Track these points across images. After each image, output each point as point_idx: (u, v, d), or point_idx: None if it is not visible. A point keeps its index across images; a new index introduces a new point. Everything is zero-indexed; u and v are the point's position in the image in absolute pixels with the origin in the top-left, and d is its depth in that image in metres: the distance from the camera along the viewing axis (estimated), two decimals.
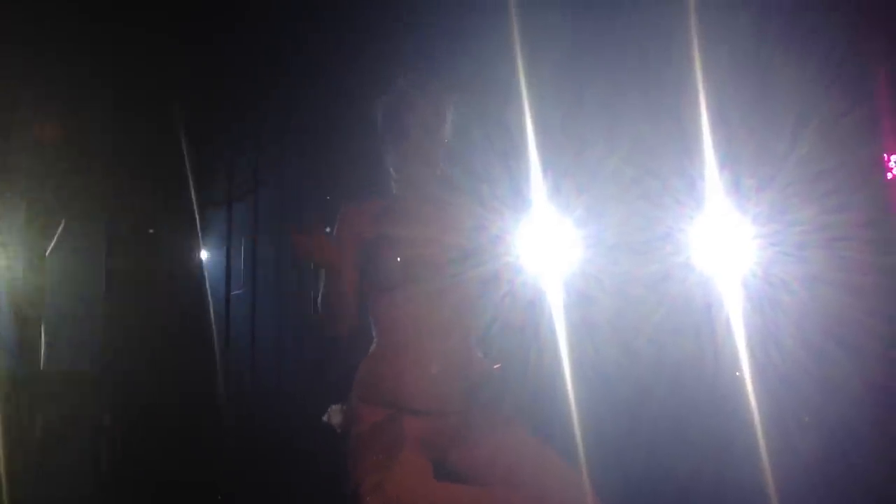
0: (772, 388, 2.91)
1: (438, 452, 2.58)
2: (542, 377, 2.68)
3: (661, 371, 3.23)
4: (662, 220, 2.98)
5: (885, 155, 3.16)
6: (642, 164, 3.03)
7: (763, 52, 2.97)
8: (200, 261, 4.05)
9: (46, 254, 3.50)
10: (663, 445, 3.23)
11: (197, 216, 3.99)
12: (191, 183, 3.98)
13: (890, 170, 3.17)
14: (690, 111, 2.90)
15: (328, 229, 2.64)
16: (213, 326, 4.03)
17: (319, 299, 2.72)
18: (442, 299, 2.61)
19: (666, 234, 2.99)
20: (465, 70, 3.06)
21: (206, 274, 4.05)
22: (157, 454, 3.67)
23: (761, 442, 2.87)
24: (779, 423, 2.91)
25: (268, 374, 4.15)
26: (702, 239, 2.98)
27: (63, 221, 3.53)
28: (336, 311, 2.68)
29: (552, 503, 2.46)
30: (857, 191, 2.91)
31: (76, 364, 3.70)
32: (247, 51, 3.89)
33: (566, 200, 2.88)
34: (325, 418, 2.66)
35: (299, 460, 3.69)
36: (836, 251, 2.87)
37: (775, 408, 2.90)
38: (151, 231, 3.85)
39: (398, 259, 2.60)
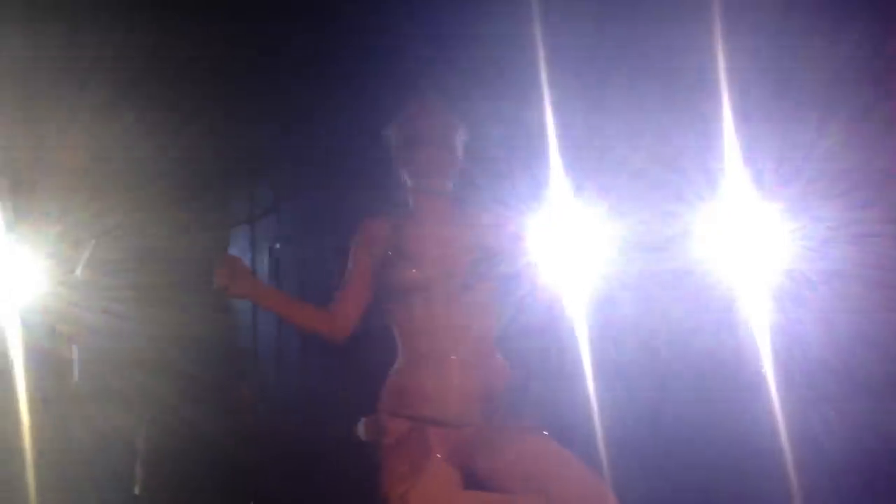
0: (796, 387, 2.86)
1: (465, 462, 2.59)
2: (564, 379, 2.67)
3: (684, 371, 3.19)
4: (684, 217, 2.95)
5: None
6: (664, 161, 3.00)
7: (787, 46, 2.93)
8: None
9: (78, 271, 3.53)
10: (685, 447, 3.18)
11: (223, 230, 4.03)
12: (216, 198, 4.02)
13: None
14: (713, 107, 2.87)
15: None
16: (241, 339, 4.07)
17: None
18: (461, 308, 2.62)
19: (688, 231, 2.96)
20: (486, 70, 3.07)
21: None
22: (188, 469, 3.68)
23: (785, 442, 2.82)
24: (803, 422, 2.85)
25: (295, 386, 4.16)
26: (724, 236, 2.95)
27: (94, 240, 3.56)
28: (340, 309, 2.73)
29: None
30: (882, 187, 2.85)
31: (109, 380, 3.72)
32: (268, 71, 3.93)
33: (587, 199, 2.87)
34: (354, 430, 2.69)
35: (328, 471, 3.69)
36: (861, 247, 2.81)
37: (799, 407, 2.85)
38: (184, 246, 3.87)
39: (413, 267, 2.62)
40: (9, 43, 3.27)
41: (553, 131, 2.81)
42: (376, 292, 2.78)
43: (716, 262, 2.96)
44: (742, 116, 2.85)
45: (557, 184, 2.76)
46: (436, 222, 2.74)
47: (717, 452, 3.12)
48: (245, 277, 2.74)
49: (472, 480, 2.60)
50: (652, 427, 3.23)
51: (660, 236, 2.90)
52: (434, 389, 2.62)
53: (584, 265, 2.82)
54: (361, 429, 2.72)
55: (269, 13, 3.78)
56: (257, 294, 2.79)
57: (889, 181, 2.84)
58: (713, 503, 3.14)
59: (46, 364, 3.44)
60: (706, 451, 3.15)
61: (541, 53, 2.90)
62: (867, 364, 2.87)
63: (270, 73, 3.90)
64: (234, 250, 4.10)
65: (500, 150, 2.84)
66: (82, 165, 3.50)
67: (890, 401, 2.89)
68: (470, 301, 2.65)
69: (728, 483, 3.10)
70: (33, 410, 3.28)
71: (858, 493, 2.91)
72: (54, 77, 3.35)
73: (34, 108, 3.36)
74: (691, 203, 2.93)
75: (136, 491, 3.76)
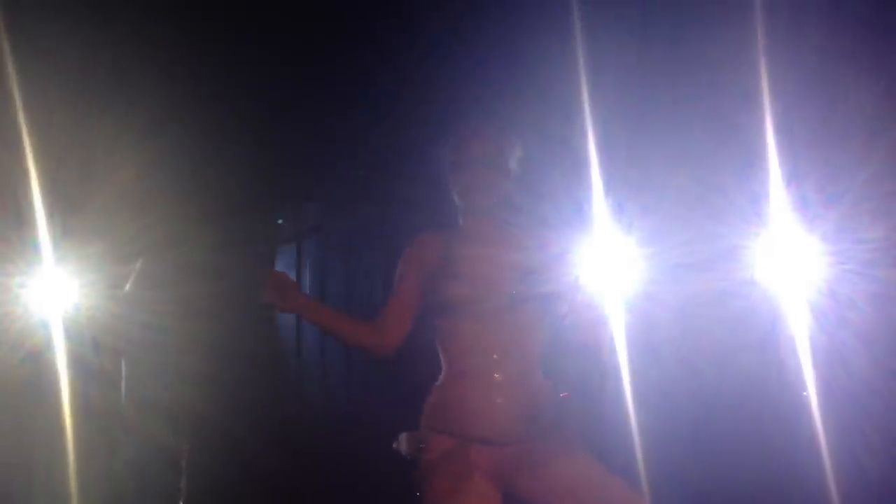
0: (839, 409, 2.84)
1: (506, 481, 2.58)
2: (606, 398, 2.66)
3: (726, 391, 3.17)
4: (727, 237, 2.94)
5: None
6: (707, 181, 3.00)
7: (832, 66, 2.92)
8: None
9: (127, 287, 3.56)
10: (727, 468, 3.17)
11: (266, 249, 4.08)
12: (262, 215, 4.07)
13: None
14: (757, 128, 2.87)
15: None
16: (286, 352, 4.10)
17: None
18: (506, 326, 2.62)
19: (731, 251, 2.96)
20: (529, 91, 3.08)
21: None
22: (232, 483, 3.70)
23: (827, 463, 2.80)
24: (846, 445, 2.83)
25: (340, 398, 4.18)
26: (767, 256, 2.95)
27: (141, 258, 3.59)
28: (386, 323, 2.73)
29: None
30: None
31: (156, 395, 3.75)
32: (318, 89, 3.96)
33: (630, 219, 2.87)
34: (395, 445, 2.69)
35: (369, 486, 3.70)
36: None
37: (842, 428, 2.83)
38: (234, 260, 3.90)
39: (461, 283, 2.63)
40: (59, 63, 3.32)
41: (596, 152, 2.81)
42: (423, 308, 2.79)
43: (759, 282, 2.96)
44: (786, 138, 2.84)
45: (601, 204, 2.76)
46: (485, 241, 2.74)
47: (759, 474, 3.11)
48: (292, 292, 2.75)
49: (513, 499, 2.61)
50: (693, 447, 3.21)
51: (703, 257, 2.89)
52: (477, 407, 2.61)
53: (627, 285, 2.82)
54: (402, 444, 2.72)
55: (322, 35, 3.82)
56: (304, 308, 2.80)
57: None
58: None
59: (93, 378, 3.48)
60: (748, 473, 3.14)
61: (584, 75, 2.90)
62: None
63: (321, 91, 3.93)
64: (280, 266, 4.12)
65: (545, 171, 2.84)
66: (130, 182, 3.54)
67: None
68: (516, 320, 2.64)
69: (770, 498, 3.09)
70: (80, 424, 3.32)
71: None
72: (103, 94, 3.40)
73: (83, 125, 3.40)
74: (734, 224, 2.93)
75: None
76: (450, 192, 2.80)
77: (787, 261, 2.92)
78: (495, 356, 2.61)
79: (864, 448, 2.88)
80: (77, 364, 3.35)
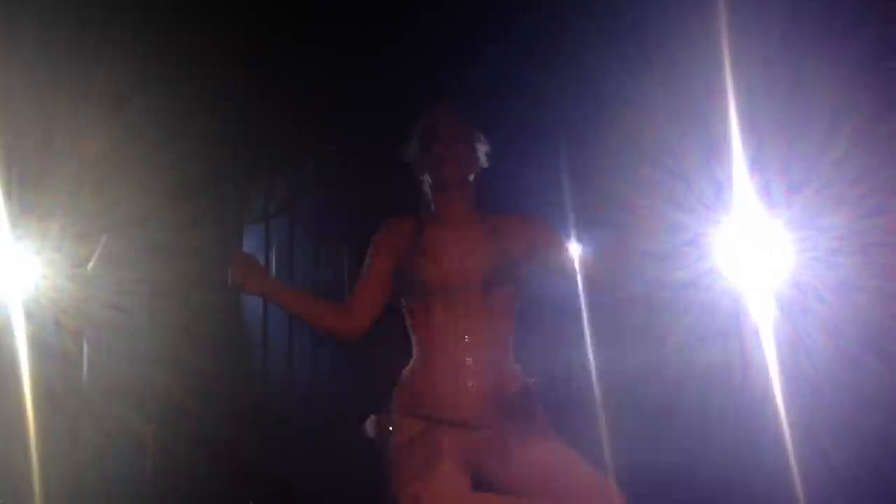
0: (802, 397, 2.85)
1: (475, 464, 2.60)
2: (571, 386, 2.67)
3: (689, 379, 3.18)
4: (690, 225, 2.94)
5: None
6: (669, 167, 2.99)
7: (795, 50, 2.91)
8: None
9: (90, 266, 3.53)
10: (692, 453, 3.19)
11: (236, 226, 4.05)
12: (230, 194, 4.03)
13: None
14: (720, 115, 2.86)
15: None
16: (251, 332, 4.08)
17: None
18: (477, 310, 2.62)
19: (693, 239, 2.95)
20: (498, 77, 3.07)
21: None
22: (197, 465, 3.69)
23: (791, 451, 2.81)
24: (809, 432, 2.85)
25: (305, 383, 4.16)
26: (730, 244, 2.95)
27: (105, 236, 3.56)
28: (356, 307, 2.73)
29: None
30: (892, 195, 2.84)
31: (118, 376, 3.73)
32: (288, 68, 3.92)
33: (592, 207, 2.86)
34: (364, 428, 2.69)
35: (337, 469, 3.70)
36: (869, 257, 2.80)
37: (805, 417, 2.85)
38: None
39: (432, 271, 2.63)
40: (17, 36, 3.26)
41: (560, 140, 2.81)
42: (394, 292, 2.79)
43: (723, 271, 2.96)
44: (749, 125, 2.83)
45: (566, 192, 2.76)
46: (457, 225, 2.75)
47: (724, 458, 3.13)
48: (259, 274, 2.74)
49: (482, 482, 2.61)
50: (659, 432, 3.23)
51: (666, 245, 2.89)
52: (448, 391, 2.61)
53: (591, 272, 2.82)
54: (371, 426, 2.72)
55: (293, 11, 3.77)
56: (272, 291, 2.79)
57: None
58: None
59: (54, 359, 3.45)
60: (713, 457, 3.16)
61: (547, 64, 2.89)
62: (874, 374, 2.86)
63: (289, 66, 3.89)
64: (247, 248, 4.09)
65: (511, 158, 2.83)
66: (91, 158, 3.49)
67: None
68: (487, 304, 2.65)
69: (734, 488, 3.11)
70: (41, 405, 3.29)
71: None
72: (62, 68, 3.34)
73: (42, 99, 3.35)
74: (698, 212, 2.93)
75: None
76: (420, 175, 2.81)
77: (751, 249, 2.92)
78: (466, 340, 2.63)
79: (828, 437, 2.90)
80: (37, 345, 3.32)
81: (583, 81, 3.06)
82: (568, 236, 2.83)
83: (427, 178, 2.80)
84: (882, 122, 2.83)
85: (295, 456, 3.87)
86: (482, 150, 2.80)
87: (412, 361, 2.74)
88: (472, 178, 2.79)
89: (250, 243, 4.16)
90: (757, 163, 2.84)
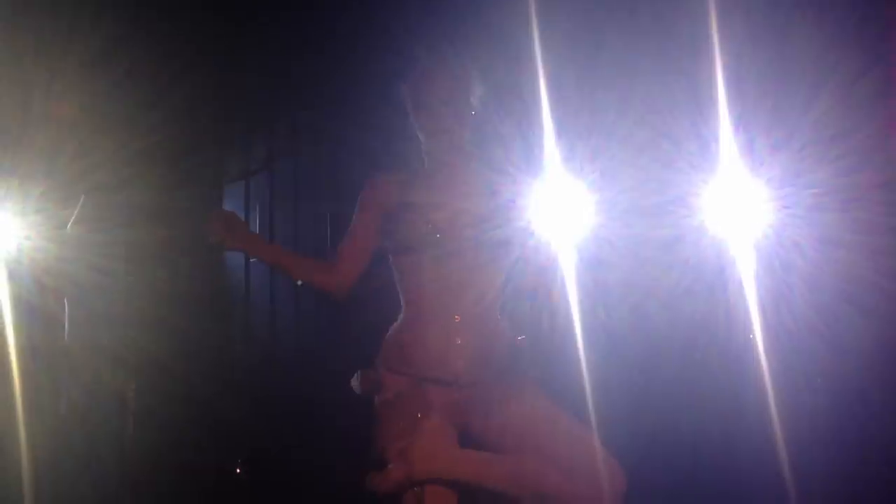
0: (784, 351, 2.90)
1: (461, 420, 2.64)
2: (555, 341, 2.69)
3: (674, 334, 3.23)
4: (675, 183, 2.97)
5: None
6: (655, 126, 3.02)
7: (779, 10, 2.94)
8: None
9: (68, 227, 3.51)
10: (675, 407, 3.24)
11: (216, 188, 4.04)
12: (210, 155, 4.02)
13: None
14: (704, 72, 2.88)
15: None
16: (233, 293, 4.08)
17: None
18: (465, 267, 2.63)
19: (679, 197, 2.98)
20: (479, 34, 3.06)
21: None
22: (179, 425, 3.70)
23: (772, 404, 2.86)
24: (790, 386, 2.90)
25: (289, 340, 4.17)
26: (715, 202, 2.97)
27: (83, 195, 3.54)
28: (341, 263, 2.74)
29: (568, 465, 2.53)
30: (873, 152, 2.88)
31: (99, 336, 3.72)
32: (267, 25, 3.90)
33: (579, 164, 2.88)
34: (351, 384, 2.70)
35: (323, 426, 3.72)
36: (850, 213, 2.85)
37: (787, 370, 2.89)
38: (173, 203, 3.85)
39: (422, 224, 2.63)
40: None
41: (546, 96, 2.81)
42: (382, 248, 2.79)
43: (707, 227, 2.99)
44: (733, 83, 2.86)
45: (551, 148, 2.77)
46: (447, 180, 2.73)
47: (705, 414, 3.18)
48: (241, 230, 2.74)
49: (469, 440, 2.65)
50: (642, 388, 3.27)
51: (650, 201, 2.92)
52: (435, 348, 2.63)
53: (577, 229, 2.84)
54: (358, 383, 2.73)
55: None
56: (254, 247, 2.80)
57: (880, 147, 2.87)
58: (701, 457, 3.20)
59: (36, 319, 3.44)
60: (694, 413, 3.20)
61: (535, 18, 2.89)
62: (853, 326, 2.91)
63: (270, 21, 3.87)
64: (227, 207, 4.08)
65: (496, 115, 2.83)
66: (70, 118, 3.47)
67: (877, 365, 2.94)
68: (475, 261, 2.65)
69: (715, 440, 3.16)
70: (24, 365, 3.28)
71: (843, 455, 2.97)
72: (40, 25, 3.31)
73: (19, 57, 3.32)
74: (682, 169, 2.96)
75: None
76: (411, 132, 2.79)
77: (735, 206, 2.95)
78: (455, 297, 2.64)
79: (808, 390, 2.95)
80: (19, 306, 3.31)
81: (570, 37, 3.07)
82: (548, 194, 2.84)
83: (420, 134, 2.78)
84: (861, 81, 2.87)
85: (280, 415, 3.89)
86: (476, 94, 2.79)
87: (400, 318, 2.75)
88: (466, 123, 2.78)
89: (231, 202, 4.14)
90: (741, 120, 2.87)
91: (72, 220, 3.49)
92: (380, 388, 2.67)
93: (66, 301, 3.56)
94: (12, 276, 3.29)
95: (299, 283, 2.81)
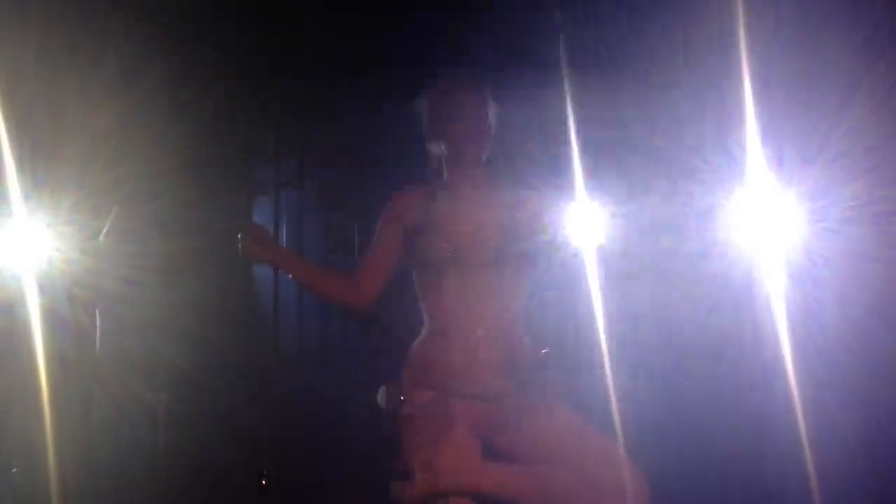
0: (813, 367, 2.86)
1: (484, 435, 2.64)
2: (580, 354, 2.68)
3: (700, 348, 3.20)
4: (703, 196, 2.94)
5: None
6: (683, 138, 3.00)
7: (810, 19, 2.90)
8: None
9: (100, 238, 3.53)
10: (701, 422, 3.20)
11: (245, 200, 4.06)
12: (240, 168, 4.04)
13: None
14: (732, 85, 2.85)
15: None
16: (262, 306, 4.09)
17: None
18: (489, 281, 2.64)
19: (706, 210, 2.96)
20: (505, 46, 3.06)
21: None
22: (207, 436, 3.71)
23: (801, 420, 2.82)
24: (819, 402, 2.86)
25: (316, 353, 4.18)
26: (743, 215, 2.95)
27: (115, 207, 3.56)
28: (364, 277, 2.75)
29: (592, 478, 2.51)
30: None
31: (130, 348, 3.74)
32: (295, 42, 3.92)
33: (606, 178, 2.87)
34: (376, 397, 2.71)
35: (348, 439, 3.72)
36: (882, 227, 2.81)
37: (816, 386, 2.85)
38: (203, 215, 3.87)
39: (445, 242, 2.64)
40: (28, 9, 3.26)
41: (571, 109, 2.80)
42: (405, 263, 2.80)
43: (734, 242, 2.96)
44: (763, 95, 2.83)
45: (576, 162, 2.76)
46: (469, 195, 2.75)
47: (733, 429, 3.14)
48: (269, 244, 2.77)
49: (492, 452, 2.64)
50: (670, 403, 3.24)
51: (679, 216, 2.90)
52: (458, 362, 2.65)
53: (604, 245, 2.83)
54: (382, 396, 2.74)
55: None
56: (281, 261, 2.83)
57: None
58: (728, 474, 3.16)
59: (67, 331, 3.46)
60: (721, 428, 3.17)
61: (560, 31, 2.89)
62: (885, 345, 2.87)
63: (300, 44, 3.89)
64: (256, 220, 4.10)
65: (521, 129, 2.84)
66: (102, 129, 3.49)
67: None
68: (499, 276, 2.67)
69: (742, 458, 3.12)
70: (54, 377, 3.30)
71: (874, 474, 2.92)
72: (74, 41, 3.34)
73: (54, 72, 3.35)
74: (710, 182, 2.93)
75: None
76: (431, 148, 2.81)
77: (763, 219, 2.92)
78: (478, 311, 2.64)
79: (837, 406, 2.91)
80: (51, 317, 3.33)
81: (596, 49, 3.06)
82: (575, 210, 2.83)
83: (441, 150, 2.80)
84: (894, 91, 2.83)
85: (306, 428, 3.89)
86: (493, 117, 2.80)
87: (423, 332, 2.77)
88: (487, 140, 2.79)
89: (260, 216, 4.16)
90: (770, 134, 2.84)
91: (103, 232, 3.50)
92: (404, 402, 2.67)
93: (97, 312, 3.58)
94: (43, 288, 3.31)
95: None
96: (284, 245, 4.05)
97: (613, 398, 2.65)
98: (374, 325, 3.26)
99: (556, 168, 2.80)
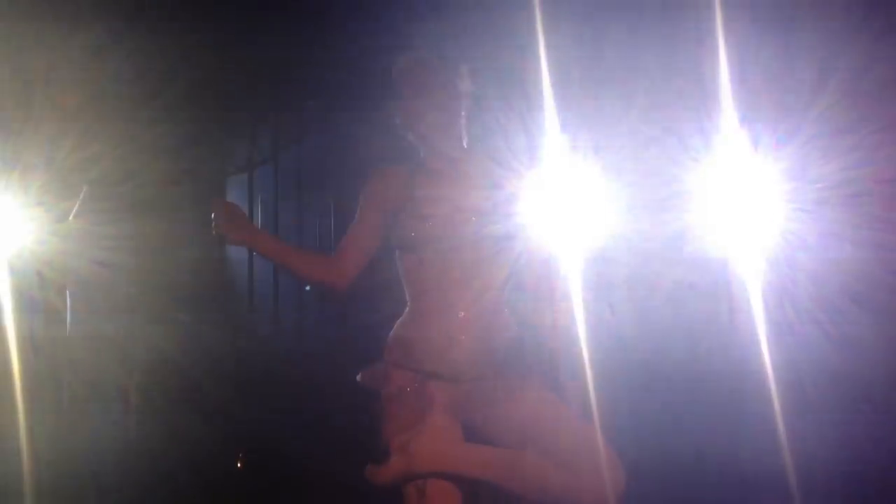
0: (788, 346, 2.89)
1: (465, 415, 2.65)
2: (559, 335, 2.68)
3: (677, 329, 3.22)
4: (679, 177, 2.96)
5: None
6: (660, 121, 3.01)
7: (784, 4, 2.92)
8: None
9: (70, 219, 3.51)
10: (678, 402, 3.23)
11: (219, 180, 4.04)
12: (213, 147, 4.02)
13: None
14: (708, 65, 2.87)
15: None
16: (236, 287, 4.09)
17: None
18: (470, 263, 2.63)
19: (683, 192, 2.97)
20: (481, 26, 3.05)
21: None
22: (180, 417, 3.70)
23: (776, 400, 2.85)
24: (794, 381, 2.89)
25: (292, 333, 4.18)
26: (719, 197, 2.96)
27: (85, 188, 3.53)
28: (342, 257, 2.73)
29: (570, 459, 2.52)
30: (879, 147, 2.86)
31: (101, 330, 3.72)
32: (270, 17, 3.89)
33: (583, 159, 2.87)
34: (357, 378, 2.70)
35: (327, 419, 3.72)
36: (856, 208, 2.84)
37: (791, 365, 2.88)
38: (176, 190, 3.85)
39: (425, 220, 2.62)
40: None
41: (549, 89, 2.80)
42: (386, 243, 2.78)
43: (711, 222, 2.98)
44: (738, 77, 2.84)
45: (554, 142, 2.76)
46: (447, 178, 2.73)
47: (708, 409, 3.17)
48: (242, 224, 2.73)
49: (472, 434, 2.65)
50: (645, 383, 3.26)
51: (654, 196, 2.91)
52: (440, 344, 2.63)
53: (581, 224, 2.82)
54: (363, 377, 2.73)
55: None
56: (255, 240, 2.78)
57: (883, 142, 2.85)
58: (704, 454, 3.19)
59: (38, 312, 3.44)
60: (697, 407, 3.20)
61: (538, 9, 2.88)
62: (859, 324, 2.90)
63: (273, 13, 3.86)
64: (230, 199, 4.08)
65: (498, 108, 2.82)
66: (72, 109, 3.47)
67: (881, 362, 2.93)
68: (479, 257, 2.65)
69: (718, 436, 3.15)
70: (25, 358, 3.28)
71: (849, 451, 2.96)
72: (41, 17, 3.31)
73: (22, 46, 3.31)
74: (686, 164, 2.94)
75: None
76: (408, 125, 2.77)
77: (740, 201, 2.94)
78: (459, 293, 2.63)
79: (812, 385, 2.94)
80: (21, 298, 3.30)
81: (574, 30, 3.05)
82: (552, 188, 2.83)
83: (411, 129, 2.78)
84: (869, 74, 2.85)
85: (283, 408, 3.89)
86: (463, 87, 2.77)
87: (405, 313, 2.75)
88: (458, 118, 2.76)
89: (234, 194, 4.15)
90: (746, 116, 2.86)
91: (73, 213, 3.48)
92: (385, 383, 2.67)
93: (67, 294, 3.56)
94: (13, 269, 3.29)
95: (308, 288, 2.82)
96: (259, 222, 4.04)
97: (591, 380, 2.65)
98: (355, 306, 3.23)
99: (536, 148, 2.78)
